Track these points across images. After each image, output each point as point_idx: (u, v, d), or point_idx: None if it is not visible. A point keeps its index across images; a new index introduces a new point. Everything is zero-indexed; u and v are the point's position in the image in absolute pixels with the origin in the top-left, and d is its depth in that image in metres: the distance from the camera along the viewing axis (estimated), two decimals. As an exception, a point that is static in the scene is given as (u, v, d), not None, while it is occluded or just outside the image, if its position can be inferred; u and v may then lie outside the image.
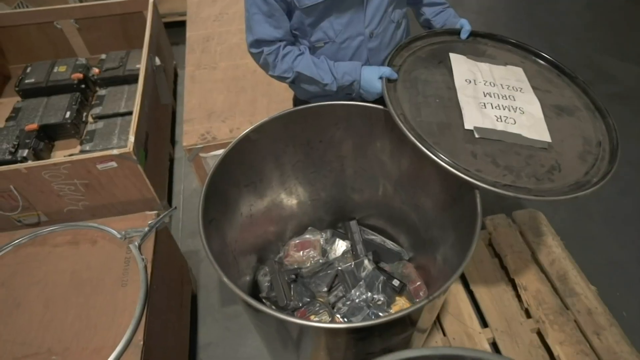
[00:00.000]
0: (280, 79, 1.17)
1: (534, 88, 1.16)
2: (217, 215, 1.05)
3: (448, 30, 1.30)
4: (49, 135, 2.24)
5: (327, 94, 1.18)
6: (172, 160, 2.41)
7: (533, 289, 1.62)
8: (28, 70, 2.48)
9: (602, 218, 2.05)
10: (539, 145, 1.00)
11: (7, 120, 2.26)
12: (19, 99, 2.43)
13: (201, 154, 1.74)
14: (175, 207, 1.50)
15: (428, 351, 0.58)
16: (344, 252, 1.41)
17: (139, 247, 1.32)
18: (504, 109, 1.08)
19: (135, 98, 2.28)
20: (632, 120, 2.53)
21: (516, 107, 1.09)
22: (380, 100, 1.10)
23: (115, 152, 1.67)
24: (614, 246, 1.95)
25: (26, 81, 2.41)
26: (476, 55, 1.24)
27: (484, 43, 1.31)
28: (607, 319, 1.51)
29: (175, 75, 2.97)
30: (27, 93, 2.40)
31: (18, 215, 1.79)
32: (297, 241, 1.41)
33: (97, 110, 2.31)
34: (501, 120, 1.04)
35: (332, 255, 1.40)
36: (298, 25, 1.14)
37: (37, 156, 2.08)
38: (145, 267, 1.27)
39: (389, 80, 1.10)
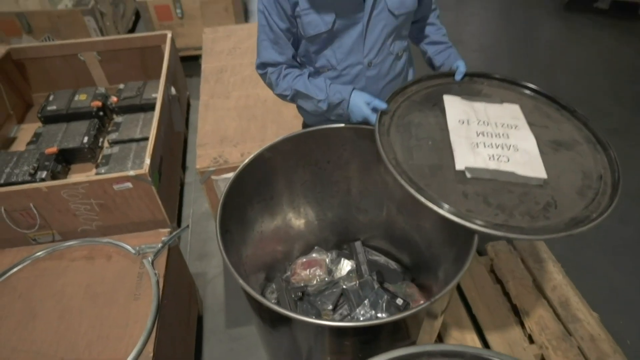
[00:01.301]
0: (282, 97, 1.27)
1: (531, 124, 1.15)
2: (232, 227, 1.11)
3: (443, 73, 1.31)
4: (66, 159, 2.34)
5: (322, 113, 1.25)
6: (182, 185, 2.50)
7: (535, 315, 1.64)
8: (51, 98, 2.62)
9: (601, 247, 2.09)
10: (533, 182, 0.99)
11: (28, 144, 2.37)
12: (40, 124, 2.55)
13: (213, 177, 1.82)
14: (188, 226, 1.57)
15: (429, 347, 0.63)
16: (349, 272, 1.45)
17: (152, 263, 1.38)
18: (497, 147, 1.07)
19: (150, 125, 2.40)
20: (630, 153, 2.61)
21: (510, 145, 1.08)
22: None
23: (131, 173, 1.75)
24: (614, 274, 1.97)
25: (48, 108, 2.54)
26: (471, 95, 1.24)
27: (480, 82, 1.31)
28: (610, 346, 1.52)
29: (188, 105, 3.11)
30: (48, 119, 2.53)
31: (34, 233, 1.85)
32: (304, 260, 1.46)
33: (113, 136, 2.43)
34: (494, 159, 1.04)
35: (337, 275, 1.45)
36: (304, 52, 1.26)
37: (54, 178, 2.17)
38: (158, 281, 1.32)
39: (381, 117, 1.12)
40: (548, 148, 1.08)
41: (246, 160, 1.17)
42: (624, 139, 2.72)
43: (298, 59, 1.30)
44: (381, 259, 1.50)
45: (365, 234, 1.53)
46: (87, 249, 1.45)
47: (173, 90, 2.49)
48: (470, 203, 0.93)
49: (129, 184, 1.78)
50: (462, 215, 0.88)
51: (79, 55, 2.72)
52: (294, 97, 1.25)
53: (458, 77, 1.28)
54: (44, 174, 2.11)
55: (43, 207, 1.77)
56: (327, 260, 1.47)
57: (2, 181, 2.03)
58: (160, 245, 1.42)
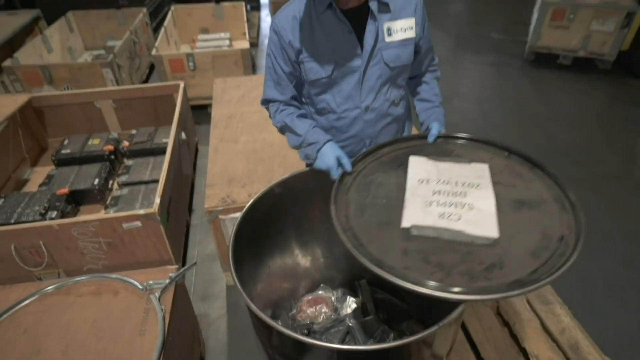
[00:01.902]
0: (277, 128, 1.37)
1: (497, 183, 1.12)
2: (243, 261, 1.14)
3: (418, 135, 1.33)
4: (76, 200, 2.39)
5: (296, 147, 1.33)
6: (188, 227, 2.52)
7: (545, 358, 1.61)
8: (65, 142, 2.73)
9: (607, 289, 2.08)
10: (480, 241, 0.96)
11: (40, 185, 2.44)
12: (52, 167, 2.64)
13: (221, 216, 1.86)
14: (195, 263, 1.58)
15: None
16: (355, 310, 1.44)
17: (159, 299, 1.38)
18: (451, 206, 1.05)
19: (159, 168, 2.48)
20: (628, 197, 2.67)
21: (465, 203, 1.06)
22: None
23: (141, 212, 1.80)
24: (623, 317, 1.94)
25: (62, 151, 2.64)
26: (441, 155, 1.24)
27: (453, 143, 1.30)
28: (624, 391, 1.48)
29: (196, 150, 3.22)
30: (62, 162, 2.61)
31: (40, 272, 1.86)
32: (310, 297, 1.46)
33: (123, 178, 2.50)
34: (444, 217, 1.02)
35: (343, 312, 1.44)
36: (307, 94, 1.36)
37: (63, 218, 2.21)
38: (164, 317, 1.32)
39: (345, 176, 1.17)
40: (509, 207, 1.05)
41: (258, 194, 1.22)
42: (621, 184, 2.79)
43: (303, 99, 1.41)
44: (387, 297, 1.50)
45: (371, 272, 1.54)
46: (95, 285, 1.46)
47: (183, 135, 2.59)
48: (408, 260, 0.91)
49: (138, 223, 1.82)
50: (395, 272, 0.87)
51: (95, 103, 2.87)
52: (283, 129, 1.34)
53: (430, 139, 1.30)
54: (54, 214, 2.15)
55: (52, 245, 1.79)
56: (333, 298, 1.47)
57: (13, 220, 2.07)
58: (167, 281, 1.43)
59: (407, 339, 0.84)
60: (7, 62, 3.14)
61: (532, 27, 4.54)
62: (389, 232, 0.99)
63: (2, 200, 2.24)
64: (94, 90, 2.84)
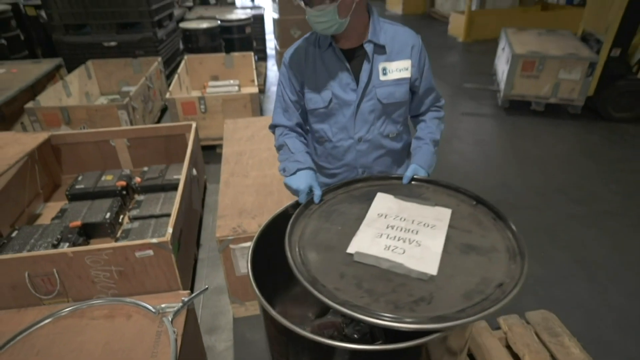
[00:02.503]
0: (275, 148, 1.47)
1: (453, 227, 1.14)
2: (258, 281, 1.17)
3: (394, 176, 1.39)
4: (87, 233, 2.45)
5: (281, 161, 1.42)
6: (195, 261, 2.55)
7: (557, 390, 1.59)
8: (79, 178, 2.82)
9: (615, 323, 2.07)
10: (416, 275, 0.98)
11: (53, 219, 2.50)
12: (65, 203, 2.71)
13: (231, 246, 1.91)
14: (207, 287, 1.60)
15: None
16: (364, 334, 1.45)
17: (171, 321, 1.40)
18: (399, 240, 1.08)
19: (169, 203, 2.57)
20: (627, 233, 2.71)
21: (414, 240, 1.08)
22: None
23: (154, 240, 1.84)
24: (633, 350, 1.92)
25: (76, 187, 2.73)
26: (409, 196, 1.27)
27: (426, 187, 1.34)
28: None
29: (205, 188, 3.31)
30: (75, 197, 2.69)
31: (50, 300, 1.87)
32: (319, 322, 1.47)
33: (134, 212, 2.56)
34: (389, 249, 1.05)
35: (352, 336, 1.45)
36: (309, 123, 1.49)
37: (75, 250, 2.25)
38: (176, 339, 1.34)
39: (309, 203, 1.24)
40: (457, 250, 1.07)
41: (272, 216, 1.28)
42: (619, 221, 2.84)
43: (307, 127, 1.52)
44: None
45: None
46: (108, 308, 1.48)
47: (194, 172, 2.69)
48: (342, 282, 0.95)
49: (150, 252, 1.86)
50: (326, 292, 0.91)
51: (110, 141, 3.00)
52: (280, 147, 1.44)
53: (404, 180, 1.35)
54: (65, 246, 2.20)
55: (65, 273, 1.82)
56: (342, 322, 1.48)
57: (25, 252, 2.11)
58: (180, 304, 1.46)
59: (422, 339, 0.86)
60: (29, 104, 3.32)
61: (500, 76, 4.85)
62: (333, 255, 1.05)
63: (16, 232, 2.29)
64: (110, 130, 2.98)
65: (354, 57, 1.34)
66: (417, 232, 1.12)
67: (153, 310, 1.44)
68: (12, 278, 1.79)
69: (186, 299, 1.47)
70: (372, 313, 0.86)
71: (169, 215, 2.50)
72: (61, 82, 3.95)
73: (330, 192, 1.32)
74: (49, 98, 3.59)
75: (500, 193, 3.21)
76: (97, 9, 4.81)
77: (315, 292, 0.91)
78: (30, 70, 4.08)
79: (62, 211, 2.56)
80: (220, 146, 3.75)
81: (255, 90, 3.82)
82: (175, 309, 1.44)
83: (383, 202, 1.25)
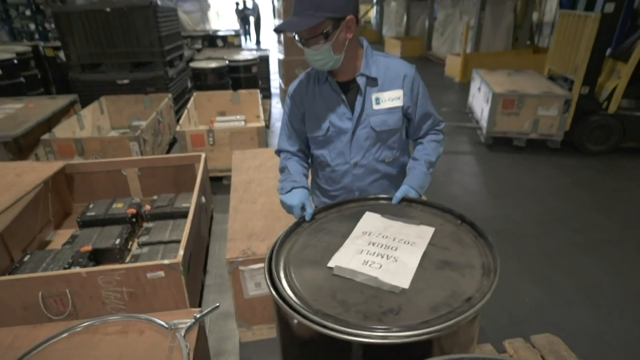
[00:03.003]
0: (279, 170, 1.58)
1: (433, 245, 1.17)
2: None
3: (385, 197, 1.43)
4: (97, 259, 2.49)
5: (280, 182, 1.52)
6: (202, 287, 2.57)
7: (566, 413, 1.58)
8: (91, 206, 2.90)
9: (621, 348, 2.07)
10: (387, 288, 1.02)
11: (64, 244, 2.55)
12: (75, 230, 2.77)
13: (241, 267, 1.96)
14: (218, 305, 1.64)
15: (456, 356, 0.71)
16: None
17: (184, 336, 1.43)
18: (377, 256, 1.13)
19: (178, 230, 2.63)
20: (629, 261, 2.75)
21: (392, 256, 1.13)
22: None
23: (165, 262, 1.90)
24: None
25: (88, 214, 2.80)
26: (396, 215, 1.31)
27: (414, 207, 1.38)
28: None
29: (212, 217, 3.37)
30: (86, 223, 2.76)
31: (61, 320, 1.90)
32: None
33: (143, 239, 2.62)
34: (366, 264, 1.10)
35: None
36: (311, 149, 1.59)
37: (85, 274, 2.28)
38: (189, 353, 1.36)
39: (299, 223, 1.30)
40: (433, 265, 1.10)
41: (287, 228, 1.35)
42: (619, 249, 2.88)
43: (309, 151, 1.63)
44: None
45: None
46: (122, 324, 1.51)
47: (203, 199, 2.77)
48: (318, 294, 1.00)
49: (162, 273, 1.91)
50: (303, 301, 0.97)
51: (122, 171, 3.10)
52: (282, 169, 1.55)
53: (394, 201, 1.40)
54: (76, 269, 2.24)
55: (78, 293, 1.86)
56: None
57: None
58: (192, 320, 1.49)
59: (432, 334, 0.88)
60: (46, 136, 3.45)
61: (479, 114, 5.05)
62: (315, 269, 1.11)
63: (28, 256, 2.34)
64: (123, 159, 3.10)
65: (350, 88, 1.44)
66: (396, 249, 1.16)
67: (166, 326, 1.47)
68: (26, 298, 1.83)
69: (198, 315, 1.51)
70: (338, 332, 0.88)
71: (177, 241, 2.55)
72: (75, 116, 4.12)
73: (322, 212, 1.38)
74: (63, 131, 3.73)
75: (500, 223, 3.27)
76: (112, 50, 5.09)
77: (290, 311, 0.95)
78: (47, 105, 4.27)
79: (73, 237, 2.62)
80: (227, 177, 3.87)
81: (261, 124, 3.97)
82: (188, 324, 1.47)
83: (370, 220, 1.31)
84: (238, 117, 4.95)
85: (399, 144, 1.54)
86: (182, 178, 3.23)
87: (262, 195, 2.53)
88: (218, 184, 3.85)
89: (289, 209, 1.38)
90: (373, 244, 1.19)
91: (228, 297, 2.40)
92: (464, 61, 8.18)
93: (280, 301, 0.98)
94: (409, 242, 1.19)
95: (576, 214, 3.38)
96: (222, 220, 3.29)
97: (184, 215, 2.83)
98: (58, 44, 6.24)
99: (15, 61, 5.09)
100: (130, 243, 2.67)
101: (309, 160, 1.66)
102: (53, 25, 8.50)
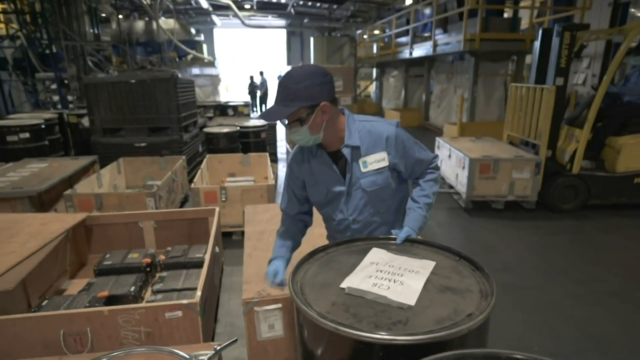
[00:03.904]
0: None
1: (434, 274, 1.29)
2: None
3: (390, 237, 1.56)
4: (111, 305, 2.53)
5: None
6: (213, 334, 2.59)
7: None
8: (107, 256, 3.00)
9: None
10: (396, 304, 1.11)
11: (80, 291, 2.62)
12: (89, 279, 2.85)
13: (255, 308, 2.02)
14: (237, 339, 1.69)
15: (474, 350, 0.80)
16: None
17: (205, 367, 1.49)
18: (385, 280, 1.24)
19: (191, 279, 2.72)
20: (632, 311, 2.77)
21: (397, 280, 1.24)
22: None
23: (184, 301, 1.98)
24: None
25: (104, 263, 2.90)
26: (401, 252, 1.44)
27: (417, 247, 1.51)
28: None
29: (222, 270, 3.44)
30: (102, 272, 2.84)
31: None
32: None
33: (157, 286, 2.69)
34: (375, 286, 1.21)
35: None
36: (316, 207, 1.78)
37: (100, 319, 2.33)
38: (210, 381, 1.42)
39: (314, 253, 1.50)
40: (435, 289, 1.21)
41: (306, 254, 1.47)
42: (625, 300, 2.92)
43: (307, 210, 1.82)
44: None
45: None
46: (144, 356, 1.57)
47: (217, 249, 2.88)
48: (332, 308, 1.13)
49: (179, 312, 1.98)
50: (319, 313, 1.08)
51: (139, 223, 3.25)
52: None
53: (398, 241, 1.53)
54: (99, 308, 2.29)
55: (97, 332, 1.91)
56: None
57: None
58: (212, 352, 1.55)
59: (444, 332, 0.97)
60: (68, 191, 3.66)
61: (454, 180, 5.29)
62: (328, 289, 1.24)
63: (46, 301, 2.41)
64: (141, 212, 3.26)
65: (339, 157, 1.61)
66: (402, 275, 1.28)
67: (187, 357, 1.53)
68: (47, 335, 1.88)
69: (218, 348, 1.57)
70: (354, 331, 1.00)
71: (190, 289, 2.62)
72: (95, 175, 4.36)
73: (333, 247, 1.53)
74: (83, 187, 3.94)
75: (503, 276, 3.33)
76: (133, 116, 5.50)
77: (308, 312, 1.09)
78: (69, 165, 4.54)
79: (89, 285, 2.69)
80: (237, 233, 4.01)
81: (271, 182, 4.19)
82: (208, 356, 1.53)
83: (377, 254, 1.45)
84: (247, 177, 5.19)
85: (390, 195, 1.67)
86: (196, 231, 3.36)
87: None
88: (228, 239, 3.97)
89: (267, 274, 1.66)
90: (381, 271, 1.32)
91: (239, 344, 2.40)
92: (460, 129, 8.66)
93: (301, 304, 1.09)
94: (413, 271, 1.32)
95: (586, 266, 3.45)
96: (232, 273, 3.36)
97: (197, 265, 2.92)
98: (79, 112, 6.73)
99: (43, 126, 5.48)
100: (144, 291, 2.73)
101: (308, 217, 1.84)
102: (74, 97, 9.18)
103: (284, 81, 1.44)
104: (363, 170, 1.58)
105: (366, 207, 1.63)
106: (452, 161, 5.38)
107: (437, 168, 1.73)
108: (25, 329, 1.86)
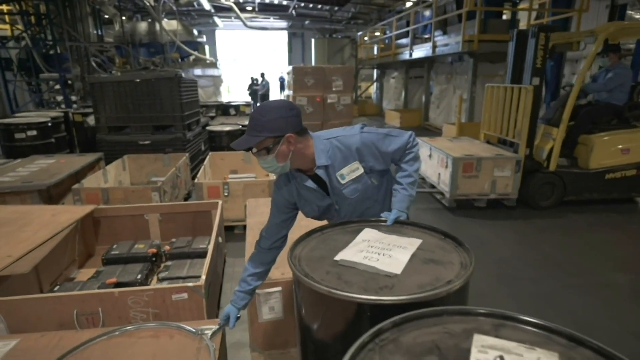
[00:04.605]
0: None
1: (420, 249, 1.40)
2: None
3: (382, 220, 1.67)
4: (119, 292, 2.66)
5: None
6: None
7: None
8: (114, 246, 3.12)
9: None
10: (384, 273, 1.24)
11: (89, 278, 2.74)
12: (97, 268, 2.96)
13: (257, 291, 2.13)
14: (239, 316, 1.81)
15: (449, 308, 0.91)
16: None
17: (210, 338, 1.61)
18: (375, 254, 1.36)
19: (196, 267, 2.82)
20: (622, 301, 2.88)
21: (386, 254, 1.35)
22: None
23: (189, 284, 2.09)
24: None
25: (112, 252, 3.02)
26: (391, 232, 1.56)
27: (406, 227, 1.62)
28: None
29: (224, 261, 3.56)
30: (109, 261, 2.96)
31: (88, 341, 2.04)
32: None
33: (163, 274, 2.80)
34: (366, 259, 1.34)
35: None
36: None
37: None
38: (215, 350, 1.53)
39: (309, 234, 1.59)
40: (420, 261, 1.33)
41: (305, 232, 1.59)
42: (614, 290, 3.02)
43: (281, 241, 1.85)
44: None
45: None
46: (153, 330, 1.69)
47: (220, 239, 3.00)
48: (327, 276, 1.26)
49: (185, 295, 2.09)
50: (312, 279, 1.21)
51: (145, 216, 3.37)
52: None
53: (388, 222, 1.65)
54: (110, 289, 2.41)
55: (108, 312, 2.03)
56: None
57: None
58: (217, 326, 1.67)
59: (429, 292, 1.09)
60: (76, 186, 3.78)
61: (436, 180, 5.35)
62: (323, 261, 1.37)
63: (57, 287, 2.53)
64: (147, 205, 3.38)
65: (318, 176, 1.68)
66: (390, 250, 1.40)
67: (194, 330, 1.65)
68: (62, 315, 2.00)
69: (222, 322, 1.69)
70: (345, 292, 1.13)
71: (194, 277, 2.73)
72: (101, 171, 4.48)
73: (329, 228, 1.66)
74: (89, 182, 4.06)
75: (499, 267, 3.44)
76: (137, 114, 5.62)
77: (305, 279, 1.22)
78: (76, 161, 4.66)
79: (98, 273, 2.81)
80: (239, 227, 4.12)
81: (273, 178, 4.30)
82: (213, 329, 1.65)
83: (368, 233, 1.58)
84: (249, 174, 5.31)
85: (374, 188, 1.76)
86: (199, 223, 3.48)
87: (275, 234, 2.76)
88: (230, 232, 4.08)
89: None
90: (371, 247, 1.44)
91: (241, 329, 2.52)
92: (459, 129, 8.77)
93: (298, 273, 1.21)
94: (401, 247, 1.44)
95: (579, 259, 3.56)
96: (234, 264, 3.48)
97: (201, 255, 3.04)
98: (84, 111, 6.87)
99: (50, 124, 5.61)
100: (150, 279, 2.85)
101: (276, 253, 1.83)
102: (78, 97, 9.33)
103: (253, 114, 1.55)
104: (342, 182, 1.67)
105: (356, 208, 1.75)
106: (433, 161, 5.43)
107: (416, 144, 1.78)
108: (42, 309, 1.98)
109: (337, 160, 1.64)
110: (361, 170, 1.67)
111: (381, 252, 1.37)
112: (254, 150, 1.54)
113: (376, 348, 0.90)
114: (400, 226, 1.63)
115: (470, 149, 5.20)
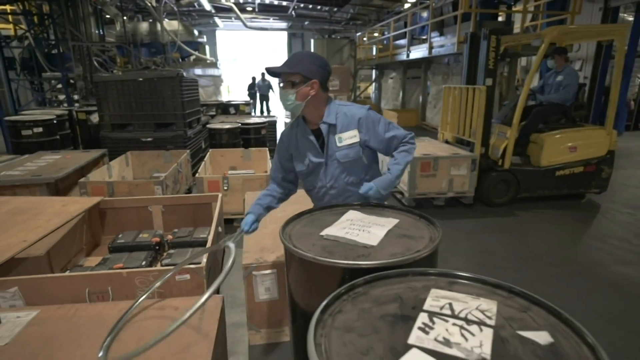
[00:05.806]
0: None
1: (397, 227, 1.60)
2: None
3: (365, 203, 1.88)
4: (125, 277, 2.84)
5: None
6: (216, 304, 2.88)
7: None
8: (120, 235, 3.30)
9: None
10: (361, 244, 1.43)
11: (96, 265, 2.92)
12: (104, 256, 3.14)
13: (254, 272, 2.32)
14: (243, 229, 1.96)
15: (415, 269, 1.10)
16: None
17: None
18: (356, 229, 1.55)
19: (197, 256, 2.99)
20: (599, 289, 3.06)
21: (365, 230, 1.55)
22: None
23: (192, 266, 2.27)
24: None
25: (118, 241, 3.20)
26: (372, 213, 1.76)
27: (387, 210, 1.83)
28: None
29: (224, 251, 3.73)
30: (116, 249, 3.14)
31: (99, 317, 2.22)
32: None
33: (166, 261, 2.98)
34: (347, 233, 1.52)
35: None
36: (300, 178, 2.08)
37: (116, 286, 2.63)
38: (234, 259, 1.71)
39: (301, 214, 1.80)
40: (395, 236, 1.52)
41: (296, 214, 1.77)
42: (590, 280, 3.20)
43: (291, 180, 2.11)
44: None
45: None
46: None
47: (219, 229, 3.18)
48: (313, 248, 1.45)
49: (188, 276, 2.27)
50: (300, 248, 1.41)
51: (149, 207, 3.55)
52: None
53: (361, 191, 1.83)
54: (118, 270, 2.58)
55: (117, 291, 2.21)
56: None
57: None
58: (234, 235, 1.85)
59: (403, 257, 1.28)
60: (82, 179, 3.96)
61: (402, 179, 5.36)
62: (310, 236, 1.56)
63: (68, 271, 2.70)
64: (151, 197, 3.57)
65: (320, 134, 1.94)
66: (370, 227, 1.59)
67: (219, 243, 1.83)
68: (75, 293, 2.18)
69: (243, 228, 1.94)
70: (327, 259, 1.33)
71: (196, 264, 2.92)
72: (105, 167, 4.66)
73: (317, 210, 1.85)
74: (95, 177, 4.25)
75: (483, 258, 3.62)
76: (140, 112, 5.81)
77: (293, 248, 1.42)
78: (81, 156, 4.85)
79: (104, 260, 2.99)
80: (238, 220, 4.30)
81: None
82: (234, 236, 1.83)
83: (352, 214, 1.78)
84: (248, 171, 5.49)
85: (362, 168, 1.98)
86: (200, 215, 3.66)
87: (272, 222, 2.94)
88: (229, 225, 4.26)
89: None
90: (353, 225, 1.63)
91: (239, 311, 2.71)
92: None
93: (288, 244, 1.41)
94: (379, 225, 1.63)
95: (560, 250, 3.74)
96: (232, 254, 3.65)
97: (202, 244, 3.21)
98: (87, 109, 7.04)
99: (55, 122, 5.79)
100: (154, 265, 3.03)
101: (292, 186, 2.12)
102: (80, 96, 9.50)
103: (296, 53, 1.81)
104: (338, 144, 1.90)
105: (341, 175, 1.95)
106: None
107: (412, 142, 1.97)
108: (56, 287, 2.15)
109: (340, 123, 1.88)
110: (357, 139, 1.89)
111: (361, 229, 1.56)
112: (282, 79, 1.79)
113: (349, 298, 1.09)
114: (381, 208, 1.81)
115: (428, 148, 5.34)
